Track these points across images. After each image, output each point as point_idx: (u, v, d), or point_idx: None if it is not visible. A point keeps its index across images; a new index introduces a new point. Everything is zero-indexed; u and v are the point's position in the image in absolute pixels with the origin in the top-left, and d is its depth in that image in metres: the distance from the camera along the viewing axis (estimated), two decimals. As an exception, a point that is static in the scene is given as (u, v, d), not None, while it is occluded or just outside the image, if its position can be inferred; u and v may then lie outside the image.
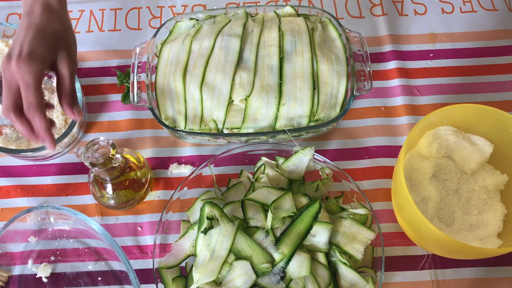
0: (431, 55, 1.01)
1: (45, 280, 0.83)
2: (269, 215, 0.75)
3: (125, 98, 0.96)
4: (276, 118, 0.85)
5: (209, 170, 0.89)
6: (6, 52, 0.95)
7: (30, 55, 0.66)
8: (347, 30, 0.90)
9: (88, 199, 0.90)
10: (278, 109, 0.85)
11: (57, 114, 0.90)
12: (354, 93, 0.85)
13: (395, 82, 0.98)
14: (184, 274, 0.82)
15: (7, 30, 0.95)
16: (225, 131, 0.86)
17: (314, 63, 0.86)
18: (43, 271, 0.83)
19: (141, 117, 0.96)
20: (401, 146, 0.85)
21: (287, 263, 0.74)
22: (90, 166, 0.73)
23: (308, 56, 0.86)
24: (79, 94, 0.87)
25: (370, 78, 0.85)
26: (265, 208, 0.78)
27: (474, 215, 0.82)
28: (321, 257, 0.77)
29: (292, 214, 0.76)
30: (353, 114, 0.96)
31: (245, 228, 0.77)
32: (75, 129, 0.87)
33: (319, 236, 0.76)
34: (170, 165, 0.92)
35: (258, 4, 1.05)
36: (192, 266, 0.77)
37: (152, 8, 1.07)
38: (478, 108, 0.80)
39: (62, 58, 0.71)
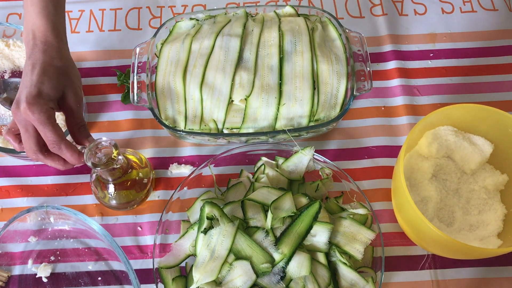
0: (431, 55, 1.01)
1: (45, 280, 0.83)
2: (269, 215, 0.75)
3: (125, 98, 0.96)
4: (276, 118, 0.85)
5: (209, 170, 0.89)
6: (6, 52, 0.95)
7: (37, 96, 0.68)
8: (347, 30, 0.90)
9: (88, 199, 0.90)
10: (278, 109, 0.85)
11: (56, 114, 0.90)
12: (354, 93, 0.85)
13: (395, 82, 0.98)
14: (184, 274, 0.82)
15: (7, 30, 0.95)
16: (225, 131, 0.86)
17: (314, 63, 0.86)
18: (43, 271, 0.83)
19: (141, 117, 0.96)
20: (401, 146, 0.85)
21: (287, 263, 0.74)
22: (92, 167, 0.73)
23: (308, 56, 0.86)
24: (79, 94, 0.87)
25: (370, 78, 0.85)
26: (265, 208, 0.78)
27: (474, 215, 0.82)
28: (321, 257, 0.77)
29: (292, 214, 0.76)
30: (353, 114, 0.96)
31: (245, 228, 0.77)
32: (75, 129, 0.87)
33: (319, 236, 0.76)
34: (170, 165, 0.92)
35: (258, 4, 1.05)
36: (192, 266, 0.77)
37: (152, 8, 1.07)
38: (478, 108, 0.80)
39: (68, 94, 0.72)
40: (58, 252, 0.85)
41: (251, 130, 0.85)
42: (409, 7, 1.07)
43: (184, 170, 0.91)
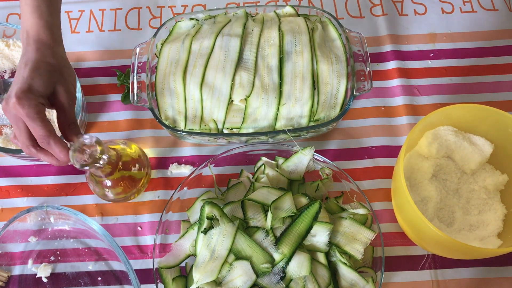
0: (431, 55, 1.01)
1: (45, 280, 0.83)
2: (269, 215, 0.75)
3: (125, 98, 0.96)
4: (276, 118, 0.85)
5: (209, 170, 0.89)
6: (6, 52, 0.95)
7: (27, 91, 0.67)
8: (347, 30, 0.90)
9: (88, 199, 0.90)
10: (278, 109, 0.85)
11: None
12: (354, 93, 0.85)
13: (395, 82, 0.98)
14: (184, 274, 0.82)
15: (7, 30, 0.95)
16: (225, 131, 0.86)
17: (314, 63, 0.86)
18: (43, 271, 0.83)
19: (141, 117, 0.96)
20: (401, 146, 0.85)
21: (287, 263, 0.74)
22: (80, 168, 0.72)
23: (308, 56, 0.86)
24: (79, 94, 0.87)
25: (370, 78, 0.85)
26: (265, 208, 0.78)
27: (474, 215, 0.82)
28: (321, 257, 0.77)
29: (292, 214, 0.76)
30: (353, 114, 0.96)
31: (245, 228, 0.77)
32: (75, 129, 0.87)
33: (319, 236, 0.76)
34: (170, 165, 0.92)
35: (258, 4, 1.04)
36: (192, 266, 0.77)
37: (152, 8, 1.07)
38: (478, 108, 0.80)
39: (60, 91, 0.72)
40: (58, 252, 0.85)
41: (251, 130, 0.85)
42: (409, 7, 1.07)
43: (184, 170, 0.91)
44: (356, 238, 0.78)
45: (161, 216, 0.84)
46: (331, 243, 0.77)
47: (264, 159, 0.88)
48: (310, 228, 0.76)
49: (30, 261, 0.85)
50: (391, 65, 1.00)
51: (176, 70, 0.87)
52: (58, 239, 0.86)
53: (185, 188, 0.88)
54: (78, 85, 0.88)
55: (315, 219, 0.76)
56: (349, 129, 0.95)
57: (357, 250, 0.77)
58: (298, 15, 0.93)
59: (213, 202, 0.77)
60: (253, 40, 0.88)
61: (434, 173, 0.84)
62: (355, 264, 0.80)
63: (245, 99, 0.85)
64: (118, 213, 0.88)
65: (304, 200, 0.79)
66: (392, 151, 0.92)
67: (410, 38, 1.03)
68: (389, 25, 1.04)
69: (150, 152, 0.93)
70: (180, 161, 0.92)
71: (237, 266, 0.74)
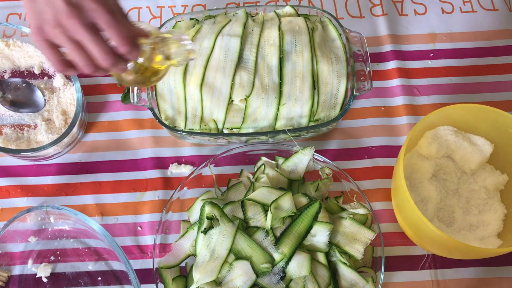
0: (431, 55, 1.01)
1: (45, 280, 0.83)
2: (269, 215, 0.75)
3: (125, 98, 0.96)
4: (276, 118, 0.85)
5: (209, 170, 0.89)
6: (6, 52, 0.94)
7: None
8: (347, 30, 0.90)
9: (88, 199, 0.90)
10: (278, 109, 0.85)
11: (57, 114, 0.90)
12: (354, 93, 0.85)
13: (395, 82, 0.98)
14: (184, 274, 0.82)
15: (7, 30, 0.95)
16: (225, 131, 0.86)
17: (314, 63, 0.86)
18: (43, 271, 0.83)
19: (141, 117, 0.96)
20: (401, 146, 0.85)
21: (287, 263, 0.74)
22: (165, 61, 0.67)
23: (308, 56, 0.86)
24: (79, 94, 0.87)
25: (370, 78, 0.85)
26: (265, 208, 0.78)
27: (474, 215, 0.82)
28: (321, 257, 0.77)
29: (292, 214, 0.76)
30: (353, 114, 0.96)
31: (245, 228, 0.77)
32: (75, 129, 0.87)
33: (319, 236, 0.76)
34: (170, 165, 0.92)
35: (258, 4, 1.04)
36: (192, 266, 0.77)
37: (152, 8, 1.07)
38: (478, 108, 0.80)
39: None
40: (58, 252, 0.85)
41: (251, 130, 0.85)
42: (409, 7, 1.06)
43: (184, 170, 0.91)
44: (356, 238, 0.78)
45: (161, 216, 0.84)
46: (331, 243, 0.77)
47: (264, 159, 0.88)
48: (310, 228, 0.76)
49: (30, 261, 0.85)
50: (391, 65, 1.00)
51: (176, 70, 0.87)
52: (58, 239, 0.86)
53: (185, 188, 0.88)
54: (78, 85, 0.88)
55: (315, 219, 0.76)
56: (349, 129, 0.95)
57: (357, 250, 0.77)
58: (298, 15, 0.93)
59: (213, 202, 0.77)
60: (253, 40, 0.88)
61: (434, 173, 0.84)
62: (355, 264, 0.80)
63: (245, 99, 0.85)
64: (118, 213, 0.88)
65: (304, 200, 0.79)
66: (392, 151, 0.92)
67: (410, 38, 1.03)
68: (389, 25, 1.04)
69: (150, 152, 0.93)
70: (180, 161, 0.92)
71: (237, 266, 0.74)
